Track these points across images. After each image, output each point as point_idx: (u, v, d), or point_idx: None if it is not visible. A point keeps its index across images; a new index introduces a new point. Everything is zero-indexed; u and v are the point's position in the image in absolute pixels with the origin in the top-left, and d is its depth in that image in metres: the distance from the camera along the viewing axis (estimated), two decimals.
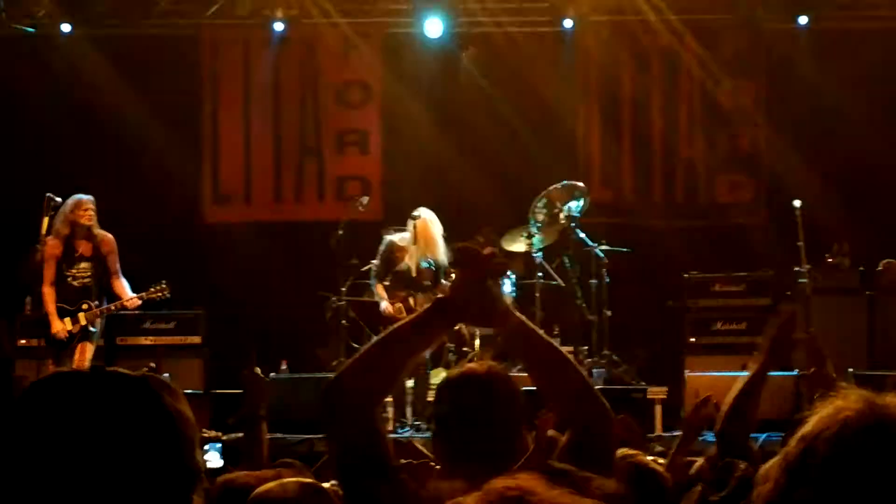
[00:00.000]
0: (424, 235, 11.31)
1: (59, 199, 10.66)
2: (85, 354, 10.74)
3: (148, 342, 12.22)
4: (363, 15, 14.36)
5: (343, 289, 12.85)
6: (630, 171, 14.47)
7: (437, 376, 12.38)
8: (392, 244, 11.54)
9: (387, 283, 11.49)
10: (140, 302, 10.99)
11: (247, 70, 14.62)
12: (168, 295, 11.06)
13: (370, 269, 11.81)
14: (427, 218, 11.38)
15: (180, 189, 14.35)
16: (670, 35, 14.06)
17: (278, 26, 14.18)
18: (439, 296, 3.76)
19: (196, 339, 12.34)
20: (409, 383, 11.20)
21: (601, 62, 14.49)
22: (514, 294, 12.85)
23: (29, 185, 11.90)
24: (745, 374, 10.35)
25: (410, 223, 11.42)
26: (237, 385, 10.61)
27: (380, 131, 14.69)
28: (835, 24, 14.01)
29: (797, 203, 11.74)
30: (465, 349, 12.78)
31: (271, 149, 14.62)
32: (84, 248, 10.85)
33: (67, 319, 10.71)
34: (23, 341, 11.46)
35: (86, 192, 10.97)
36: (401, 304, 11.26)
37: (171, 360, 11.93)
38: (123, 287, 10.92)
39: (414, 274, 11.37)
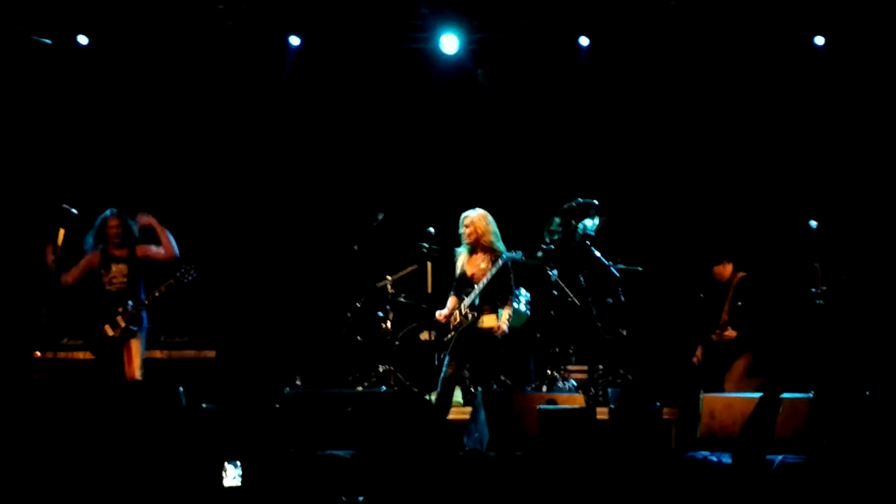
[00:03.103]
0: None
1: (74, 211, 10.70)
2: (132, 351, 11.16)
3: (162, 356, 12.18)
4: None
5: (357, 304, 12.87)
6: None
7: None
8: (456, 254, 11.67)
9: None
10: (174, 283, 11.19)
11: None
12: (194, 275, 11.24)
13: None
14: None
15: None
16: None
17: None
18: None
19: (210, 354, 12.30)
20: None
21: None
22: (528, 312, 12.84)
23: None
24: (759, 395, 10.45)
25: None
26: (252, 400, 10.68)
27: None
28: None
29: (813, 223, 11.70)
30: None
31: None
32: (119, 252, 11.32)
33: (107, 326, 11.16)
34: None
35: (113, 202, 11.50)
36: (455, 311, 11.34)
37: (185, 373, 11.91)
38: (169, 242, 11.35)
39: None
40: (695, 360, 11.80)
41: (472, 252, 11.45)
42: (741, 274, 11.73)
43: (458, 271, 11.48)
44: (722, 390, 11.70)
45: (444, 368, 11.26)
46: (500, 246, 11.40)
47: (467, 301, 11.30)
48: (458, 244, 11.57)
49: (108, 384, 10.81)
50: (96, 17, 13.69)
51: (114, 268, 11.22)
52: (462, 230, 11.45)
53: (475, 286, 11.30)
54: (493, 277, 11.25)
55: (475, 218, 11.47)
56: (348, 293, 13.15)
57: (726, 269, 11.64)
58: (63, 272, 11.13)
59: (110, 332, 11.10)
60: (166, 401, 10.20)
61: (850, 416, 11.01)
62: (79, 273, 11.26)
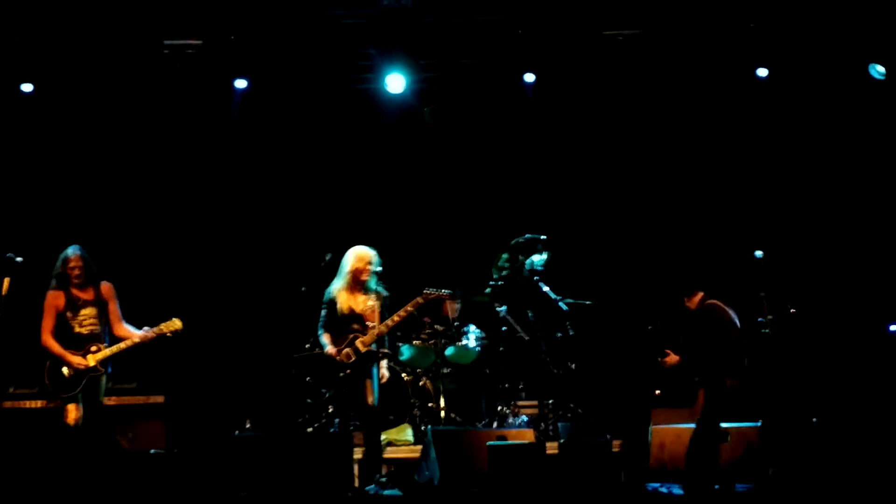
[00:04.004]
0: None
1: (19, 259, 10.66)
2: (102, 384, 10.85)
3: (111, 402, 12.09)
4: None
5: (307, 345, 12.85)
6: None
7: (403, 432, 12.38)
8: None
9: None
10: (155, 335, 10.94)
11: None
12: (180, 329, 11.02)
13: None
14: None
15: None
16: None
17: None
18: None
19: (158, 399, 12.24)
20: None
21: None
22: (478, 349, 12.87)
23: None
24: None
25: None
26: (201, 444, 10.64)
27: None
28: None
29: (759, 254, 11.78)
30: (430, 405, 12.79)
31: None
32: (86, 294, 10.95)
33: (78, 359, 10.78)
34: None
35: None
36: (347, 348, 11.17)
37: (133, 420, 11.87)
38: (130, 331, 10.97)
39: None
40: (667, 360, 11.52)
41: (353, 289, 11.25)
42: (710, 302, 11.51)
43: (339, 307, 11.26)
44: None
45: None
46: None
47: (369, 340, 11.16)
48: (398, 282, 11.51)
49: (53, 434, 10.69)
50: (41, 64, 13.67)
51: (82, 311, 10.88)
52: (375, 268, 11.31)
53: (368, 323, 11.16)
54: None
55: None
56: (297, 334, 13.12)
57: (695, 299, 11.53)
58: (42, 332, 10.78)
59: (77, 366, 10.78)
60: (112, 448, 10.21)
61: (797, 444, 11.09)
62: (52, 322, 10.84)
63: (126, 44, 13.68)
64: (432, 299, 11.31)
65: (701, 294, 10.99)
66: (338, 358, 11.04)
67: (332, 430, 11.95)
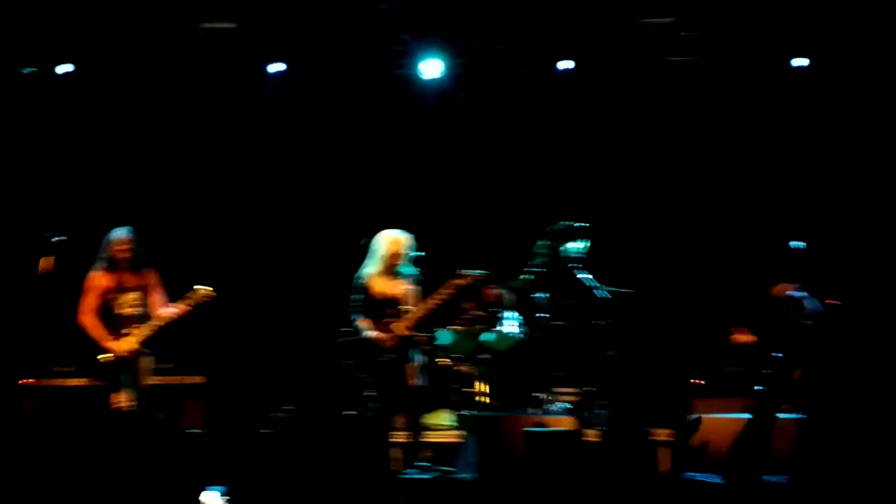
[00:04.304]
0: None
1: (63, 238, 10.62)
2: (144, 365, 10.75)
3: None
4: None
5: (343, 329, 12.85)
6: None
7: (442, 417, 12.38)
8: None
9: None
10: (191, 307, 10.79)
11: None
12: (214, 296, 10.88)
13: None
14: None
15: None
16: None
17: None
18: None
19: (198, 379, 12.23)
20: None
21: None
22: (519, 335, 12.86)
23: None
24: (748, 416, 10.49)
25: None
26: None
27: None
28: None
29: (801, 244, 11.73)
30: (468, 390, 12.79)
31: None
32: (131, 278, 10.81)
33: (121, 342, 10.70)
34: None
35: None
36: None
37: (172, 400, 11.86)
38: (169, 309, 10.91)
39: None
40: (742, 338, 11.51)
41: (387, 273, 11.19)
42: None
43: (374, 292, 11.18)
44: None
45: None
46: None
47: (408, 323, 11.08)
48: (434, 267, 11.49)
49: (98, 413, 10.64)
50: (80, 45, 13.66)
51: (126, 294, 10.74)
52: (410, 252, 11.24)
53: (403, 307, 11.10)
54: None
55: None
56: (335, 318, 13.11)
57: (779, 287, 11.55)
58: (82, 312, 10.62)
59: (116, 350, 10.72)
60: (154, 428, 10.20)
61: (839, 438, 11.07)
62: (94, 303, 10.66)
63: (162, 26, 13.67)
64: (469, 282, 11.25)
65: (785, 283, 11.14)
66: (380, 341, 11.01)
67: (368, 413, 11.92)
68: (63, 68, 13.76)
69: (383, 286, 11.14)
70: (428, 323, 11.94)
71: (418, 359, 11.10)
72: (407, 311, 11.04)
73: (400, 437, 11.14)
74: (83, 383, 11.53)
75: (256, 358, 13.85)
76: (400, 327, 11.02)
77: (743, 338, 11.06)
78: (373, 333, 11.05)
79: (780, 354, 11.02)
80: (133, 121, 14.38)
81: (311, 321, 13.93)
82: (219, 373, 12.67)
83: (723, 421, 11.27)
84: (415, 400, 11.04)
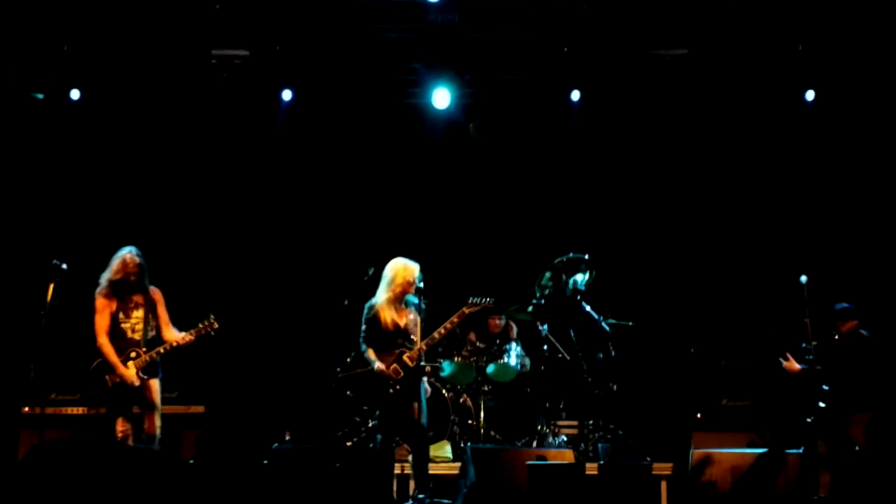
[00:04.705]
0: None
1: (64, 266, 10.65)
2: (153, 393, 10.84)
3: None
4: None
5: (348, 360, 12.85)
6: None
7: (443, 448, 12.34)
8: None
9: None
10: (193, 337, 10.94)
11: None
12: (217, 326, 11.00)
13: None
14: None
15: None
16: None
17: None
18: None
19: (199, 409, 12.25)
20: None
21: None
22: (518, 367, 12.84)
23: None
24: (753, 450, 10.44)
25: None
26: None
27: None
28: None
29: (804, 279, 11.68)
30: (469, 422, 12.76)
31: None
32: (137, 297, 10.97)
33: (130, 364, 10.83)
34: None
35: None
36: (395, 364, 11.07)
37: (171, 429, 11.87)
38: (175, 333, 11.02)
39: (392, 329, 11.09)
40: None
41: (397, 303, 11.10)
42: (861, 331, 11.66)
43: (383, 322, 11.06)
44: None
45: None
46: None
47: (416, 354, 10.97)
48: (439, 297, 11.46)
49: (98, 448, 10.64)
50: (89, 72, 13.73)
51: (133, 314, 10.92)
52: (418, 282, 11.13)
53: (413, 337, 11.04)
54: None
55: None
56: (338, 348, 13.13)
57: (849, 325, 11.64)
58: (98, 334, 10.78)
59: (127, 380, 10.78)
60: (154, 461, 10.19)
61: (840, 471, 11.00)
62: (106, 323, 10.87)
63: (174, 53, 13.74)
64: (477, 310, 11.20)
65: (856, 322, 11.25)
66: (387, 374, 10.99)
67: (372, 445, 11.89)
68: (74, 94, 13.80)
69: (392, 315, 11.07)
70: (432, 353, 11.94)
71: (423, 390, 11.06)
72: (416, 341, 10.98)
73: (402, 468, 11.12)
74: (82, 411, 11.59)
75: (257, 387, 13.83)
76: (409, 358, 10.96)
77: (790, 366, 11.21)
78: (379, 365, 11.00)
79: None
80: (144, 147, 14.41)
81: (315, 349, 13.93)
82: (219, 402, 12.69)
83: (722, 455, 11.20)
84: (420, 432, 10.98)
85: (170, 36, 13.56)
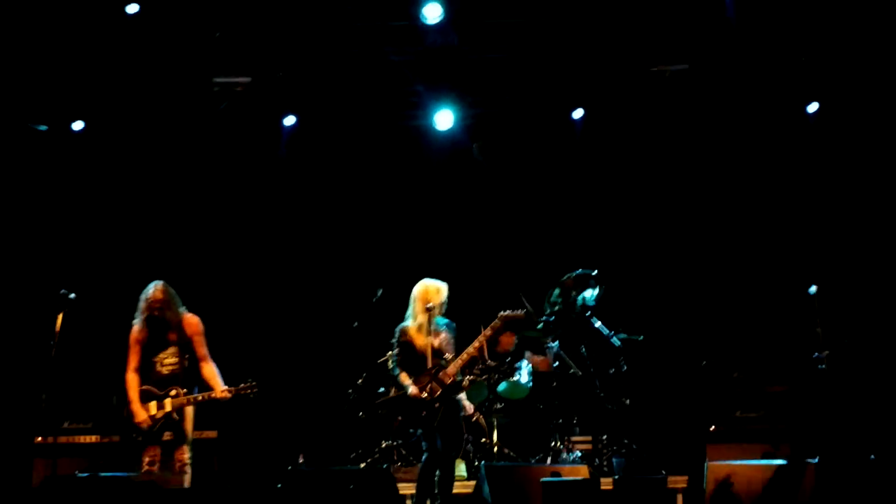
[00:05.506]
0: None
1: (72, 296, 10.63)
2: (182, 455, 10.78)
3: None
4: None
5: (359, 381, 12.85)
6: None
7: (457, 467, 12.31)
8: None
9: None
10: (231, 395, 10.78)
11: None
12: (256, 391, 10.88)
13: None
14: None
15: None
16: None
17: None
18: None
19: (212, 434, 12.20)
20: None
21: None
22: (530, 384, 12.81)
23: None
24: (769, 462, 10.41)
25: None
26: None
27: None
28: None
29: (813, 289, 11.66)
30: (483, 440, 12.73)
31: None
32: (169, 332, 10.82)
33: (153, 404, 10.70)
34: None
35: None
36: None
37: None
38: (214, 374, 10.81)
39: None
40: None
41: (428, 324, 11.00)
42: None
43: (418, 344, 11.02)
44: None
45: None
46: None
47: (453, 370, 11.03)
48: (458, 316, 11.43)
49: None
50: (91, 103, 13.77)
51: (165, 350, 10.78)
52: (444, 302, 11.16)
53: (447, 356, 11.03)
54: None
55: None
56: (349, 370, 13.12)
57: None
58: (127, 369, 10.68)
59: (153, 411, 10.76)
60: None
61: (854, 481, 10.95)
62: (136, 360, 10.73)
63: (176, 80, 13.77)
64: (511, 319, 11.18)
65: None
66: (423, 395, 10.93)
67: (419, 463, 11.74)
68: (76, 125, 13.83)
69: (427, 338, 11.01)
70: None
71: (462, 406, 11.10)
72: (451, 359, 10.98)
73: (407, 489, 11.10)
74: (95, 440, 11.56)
75: (269, 411, 13.79)
76: (446, 375, 10.94)
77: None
78: (413, 390, 10.95)
79: None
80: (147, 175, 14.43)
81: (326, 372, 13.92)
82: (231, 427, 12.65)
83: (738, 468, 11.15)
84: (456, 449, 11.02)
85: (172, 64, 13.60)
